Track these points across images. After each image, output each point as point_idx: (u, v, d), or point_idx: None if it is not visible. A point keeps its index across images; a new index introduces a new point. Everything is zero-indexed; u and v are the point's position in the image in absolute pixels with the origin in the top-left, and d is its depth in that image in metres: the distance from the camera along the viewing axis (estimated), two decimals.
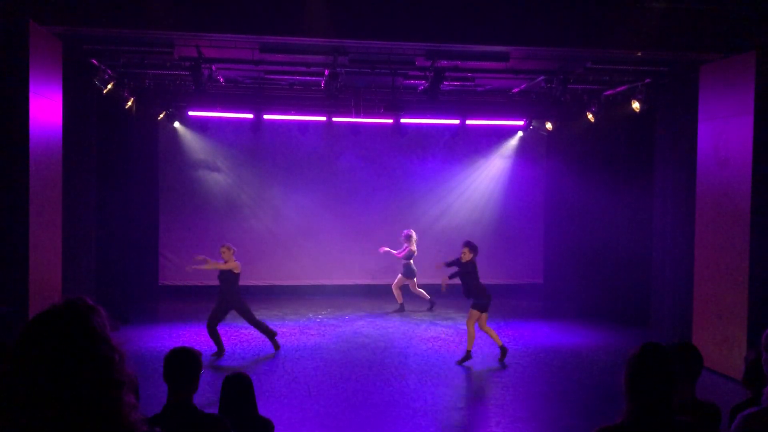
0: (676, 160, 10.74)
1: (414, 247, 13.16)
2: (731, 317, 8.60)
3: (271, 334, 9.83)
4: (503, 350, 9.31)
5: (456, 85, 12.03)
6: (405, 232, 13.31)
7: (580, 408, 7.56)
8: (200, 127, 14.04)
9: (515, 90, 12.54)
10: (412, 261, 13.17)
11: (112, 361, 1.58)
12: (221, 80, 11.61)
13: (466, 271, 9.27)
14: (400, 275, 13.29)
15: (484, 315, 9.27)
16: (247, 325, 11.59)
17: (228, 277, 9.73)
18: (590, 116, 12.75)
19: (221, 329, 11.29)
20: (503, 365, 9.20)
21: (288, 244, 14.19)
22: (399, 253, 13.31)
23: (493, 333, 9.46)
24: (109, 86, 10.55)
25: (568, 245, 14.03)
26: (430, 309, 13.17)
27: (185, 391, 3.45)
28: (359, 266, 14.81)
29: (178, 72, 11.03)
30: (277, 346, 9.86)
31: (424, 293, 13.31)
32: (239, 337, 10.67)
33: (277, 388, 7.96)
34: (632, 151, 12.39)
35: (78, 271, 9.91)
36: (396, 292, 13.31)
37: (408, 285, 13.36)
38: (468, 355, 9.24)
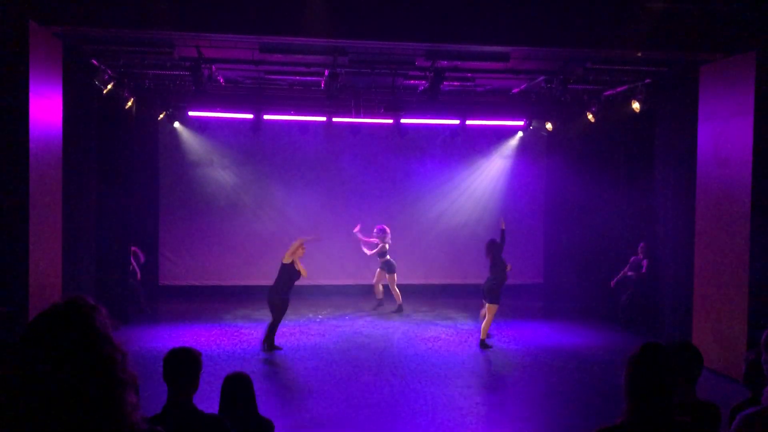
0: (676, 160, 10.74)
1: (386, 243, 12.97)
2: (731, 317, 8.60)
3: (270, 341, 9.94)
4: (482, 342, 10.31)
5: (456, 86, 12.03)
6: (379, 227, 13.09)
7: (580, 408, 7.56)
8: (200, 127, 14.04)
9: (515, 90, 12.54)
10: (389, 256, 13.02)
11: (115, 360, 1.58)
12: (221, 80, 11.61)
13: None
14: (378, 270, 13.14)
15: (489, 306, 10.30)
16: (246, 324, 11.62)
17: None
18: (590, 116, 12.75)
19: (220, 329, 11.30)
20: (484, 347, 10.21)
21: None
22: (370, 248, 13.11)
23: (486, 324, 10.34)
24: (109, 86, 10.55)
25: (568, 245, 14.03)
26: (397, 311, 12.86)
27: (185, 391, 3.45)
28: (359, 266, 14.80)
29: (178, 72, 11.03)
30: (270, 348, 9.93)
31: (399, 294, 13.03)
32: (239, 336, 10.67)
33: (277, 388, 7.96)
34: (632, 152, 12.39)
35: (78, 271, 9.91)
36: (377, 288, 13.24)
37: (388, 282, 13.12)
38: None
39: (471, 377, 8.79)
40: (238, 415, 4.02)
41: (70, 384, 1.52)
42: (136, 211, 13.03)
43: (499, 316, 12.53)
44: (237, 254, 14.60)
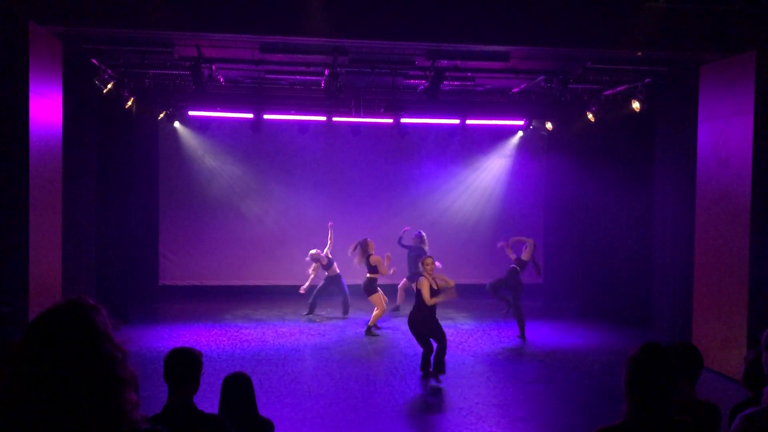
0: (676, 160, 10.75)
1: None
2: (731, 317, 8.60)
3: None
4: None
5: (456, 85, 12.03)
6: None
7: (580, 408, 7.56)
8: (200, 127, 14.02)
9: (515, 90, 12.54)
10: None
11: (115, 359, 1.59)
12: (221, 80, 11.61)
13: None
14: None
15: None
16: (246, 324, 11.61)
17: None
18: (590, 116, 12.75)
19: (220, 329, 11.29)
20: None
21: (288, 244, 14.17)
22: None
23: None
24: (109, 86, 10.54)
25: (568, 245, 14.03)
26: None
27: (185, 391, 3.45)
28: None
29: (178, 72, 11.03)
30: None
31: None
32: (239, 337, 10.67)
33: (277, 388, 7.96)
34: (632, 151, 12.38)
35: (78, 271, 9.90)
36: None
37: None
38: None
39: (471, 377, 8.78)
40: (238, 415, 4.02)
41: (71, 382, 1.53)
42: (136, 211, 13.03)
43: (500, 316, 12.53)
44: (237, 254, 14.59)
